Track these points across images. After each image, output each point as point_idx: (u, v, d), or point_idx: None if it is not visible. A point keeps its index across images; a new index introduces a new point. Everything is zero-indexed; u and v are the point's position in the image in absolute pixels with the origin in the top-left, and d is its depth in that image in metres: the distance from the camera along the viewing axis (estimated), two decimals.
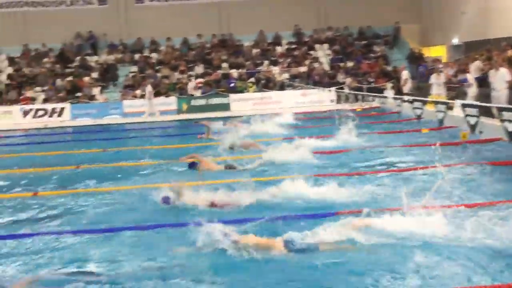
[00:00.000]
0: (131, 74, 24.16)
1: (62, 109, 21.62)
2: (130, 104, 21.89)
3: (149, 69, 24.36)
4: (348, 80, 22.87)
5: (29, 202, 7.72)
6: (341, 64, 24.49)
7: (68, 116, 21.54)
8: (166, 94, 22.53)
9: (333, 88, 22.26)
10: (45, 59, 25.15)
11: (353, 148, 10.19)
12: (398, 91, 19.98)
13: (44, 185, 8.68)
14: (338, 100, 22.02)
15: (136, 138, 15.34)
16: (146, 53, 25.96)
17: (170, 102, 22.09)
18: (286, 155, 9.08)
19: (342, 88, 22.50)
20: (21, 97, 22.59)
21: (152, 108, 20.89)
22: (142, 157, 10.20)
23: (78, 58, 25.16)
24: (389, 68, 23.84)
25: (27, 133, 18.28)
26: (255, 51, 25.93)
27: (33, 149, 13.79)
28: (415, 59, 23.95)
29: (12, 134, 17.94)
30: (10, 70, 24.66)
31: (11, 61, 25.19)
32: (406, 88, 19.28)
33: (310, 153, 9.20)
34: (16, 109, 21.63)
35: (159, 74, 24.04)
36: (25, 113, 21.54)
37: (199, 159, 8.41)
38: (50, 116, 21.46)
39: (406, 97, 16.38)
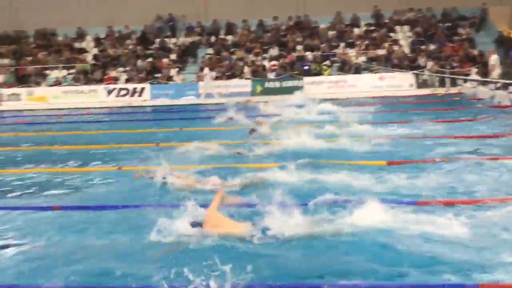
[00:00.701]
0: (207, 56, 24.60)
1: (143, 89, 22.52)
2: (204, 86, 22.32)
3: (224, 51, 24.66)
4: (430, 64, 21.79)
5: (114, 175, 8.04)
6: (423, 47, 23.33)
7: (148, 95, 22.41)
8: (241, 76, 22.74)
9: (413, 72, 21.34)
10: (128, 41, 26.24)
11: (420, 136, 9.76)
12: (484, 76, 18.75)
13: (127, 160, 9.11)
14: (419, 85, 21.10)
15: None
16: (222, 35, 26.28)
17: (245, 84, 22.28)
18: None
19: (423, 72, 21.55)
20: (105, 77, 23.76)
21: (209, 90, 21.30)
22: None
23: (158, 40, 26.00)
24: (475, 52, 22.38)
25: (111, 111, 19.27)
26: (331, 33, 25.37)
27: (117, 126, 14.49)
28: (504, 43, 22.27)
29: (97, 112, 19.01)
30: (95, 51, 26.00)
31: (97, 42, 26.54)
32: (495, 74, 18.04)
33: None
34: (101, 88, 22.82)
35: (234, 56, 24.27)
36: (109, 92, 22.68)
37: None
38: (132, 95, 22.43)
39: (494, 82, 15.34)
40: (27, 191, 7.24)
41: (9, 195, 7.13)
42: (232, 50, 24.88)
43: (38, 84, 23.71)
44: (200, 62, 24.36)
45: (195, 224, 4.59)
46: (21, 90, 23.09)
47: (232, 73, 22.74)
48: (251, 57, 24.07)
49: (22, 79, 24.14)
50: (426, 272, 3.75)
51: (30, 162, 9.33)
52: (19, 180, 7.98)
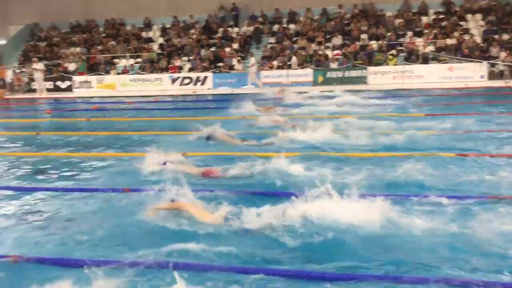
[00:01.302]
0: (269, 45, 24.59)
1: (205, 77, 22.91)
2: (266, 75, 22.37)
3: (286, 40, 24.53)
4: (503, 55, 20.57)
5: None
6: (496, 37, 22.04)
7: (210, 84, 22.78)
8: (302, 66, 22.55)
9: (485, 62, 20.24)
10: (192, 31, 26.74)
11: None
12: None
13: (189, 147, 9.29)
14: (490, 76, 20.00)
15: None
16: (284, 24, 26.14)
17: (306, 73, 22.09)
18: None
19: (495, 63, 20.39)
20: (170, 66, 24.39)
21: (253, 79, 21.54)
22: None
23: (221, 29, 26.30)
24: None
25: (175, 99, 19.72)
26: (398, 21, 24.54)
27: (181, 113, 14.81)
28: None
29: (162, 100, 19.54)
30: (161, 40, 26.72)
31: (163, 31, 27.26)
32: None
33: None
34: (166, 76, 23.46)
35: (295, 46, 24.09)
36: (173, 80, 23.27)
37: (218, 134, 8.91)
38: (195, 84, 22.88)
39: None
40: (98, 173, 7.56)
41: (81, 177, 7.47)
42: (294, 39, 24.72)
43: (107, 72, 24.73)
44: (262, 51, 24.42)
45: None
46: (92, 78, 24.19)
47: (294, 62, 22.60)
48: (313, 46, 23.80)
49: (92, 67, 25.28)
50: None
51: (101, 146, 9.76)
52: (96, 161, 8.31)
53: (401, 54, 22.60)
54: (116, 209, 5.61)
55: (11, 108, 19.57)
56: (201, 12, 26.92)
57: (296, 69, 22.32)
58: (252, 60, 21.93)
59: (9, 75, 25.27)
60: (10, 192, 6.74)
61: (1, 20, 30.44)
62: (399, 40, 23.25)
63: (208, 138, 8.87)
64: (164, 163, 6.82)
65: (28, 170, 7.98)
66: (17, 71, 25.41)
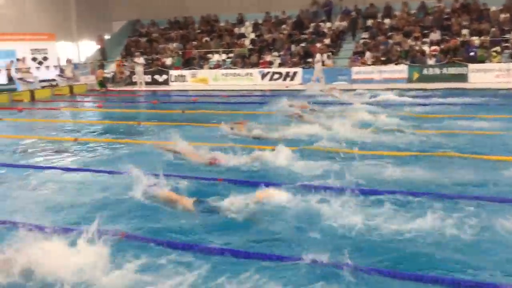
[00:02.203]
0: (362, 41, 24.01)
1: (295, 73, 22.91)
2: (358, 71, 21.88)
3: (380, 35, 23.79)
4: None
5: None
6: None
7: (299, 80, 22.74)
8: (397, 62, 21.74)
9: None
10: (283, 26, 26.85)
11: None
12: None
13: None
14: None
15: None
16: (379, 18, 25.36)
17: (401, 70, 21.27)
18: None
19: None
20: (260, 61, 24.70)
21: (318, 75, 21.38)
22: None
23: (313, 24, 26.12)
24: None
25: (264, 94, 19.94)
26: (503, 16, 22.77)
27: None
28: None
29: (252, 94, 19.85)
30: (253, 35, 27.14)
31: (255, 27, 27.66)
32: None
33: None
34: (256, 71, 23.79)
35: (390, 41, 23.27)
36: (263, 76, 23.55)
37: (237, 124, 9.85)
38: (284, 79, 22.98)
39: None
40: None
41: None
42: (389, 34, 23.89)
43: (200, 67, 25.61)
44: (353, 47, 23.91)
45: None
46: (186, 72, 25.19)
47: (388, 58, 21.87)
48: (409, 41, 22.85)
49: (188, 62, 26.30)
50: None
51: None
52: None
53: (506, 51, 20.98)
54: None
55: (114, 99, 20.88)
56: (293, 8, 26.94)
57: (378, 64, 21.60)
58: (318, 57, 21.85)
59: (112, 69, 27.09)
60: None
61: (106, 16, 32.68)
62: (504, 36, 21.59)
63: (232, 128, 9.80)
64: (175, 152, 7.81)
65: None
66: (125, 64, 27.12)
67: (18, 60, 22.83)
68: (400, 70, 21.26)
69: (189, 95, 20.49)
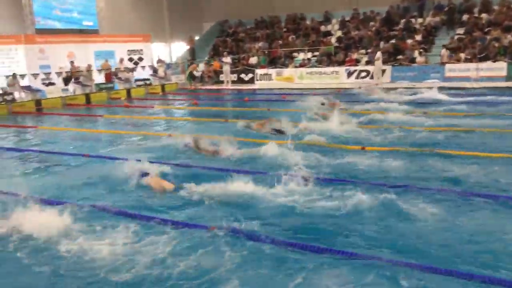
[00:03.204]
0: (456, 37, 22.73)
1: (383, 71, 22.23)
2: (452, 68, 20.75)
3: (477, 30, 22.36)
4: None
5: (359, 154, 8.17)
6: None
7: (388, 78, 22.04)
8: (494, 59, 20.31)
9: None
10: (372, 23, 26.17)
11: None
12: None
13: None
14: None
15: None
16: (476, 13, 23.85)
17: (500, 67, 19.84)
18: None
19: None
20: (346, 59, 24.27)
21: (377, 73, 21.07)
22: None
23: (403, 20, 25.19)
24: None
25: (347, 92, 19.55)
26: None
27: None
28: None
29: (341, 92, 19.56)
30: (339, 33, 26.75)
31: (342, 24, 27.24)
32: None
33: None
34: (342, 70, 23.42)
35: (488, 36, 21.80)
36: (349, 74, 23.12)
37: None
38: (371, 77, 22.39)
39: None
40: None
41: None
42: (486, 29, 22.40)
43: (286, 65, 25.72)
44: (447, 43, 22.69)
45: (143, 174, 6.91)
46: (272, 71, 25.41)
47: (485, 55, 20.51)
48: (509, 37, 21.25)
49: (273, 61, 26.53)
50: None
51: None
52: None
53: None
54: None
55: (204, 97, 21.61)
56: (382, 4, 26.17)
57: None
58: (378, 54, 21.37)
59: (201, 68, 28.06)
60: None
61: (197, 18, 33.97)
62: None
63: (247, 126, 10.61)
64: (186, 145, 8.91)
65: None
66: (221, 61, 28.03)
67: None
68: (499, 67, 19.84)
69: (279, 93, 20.61)
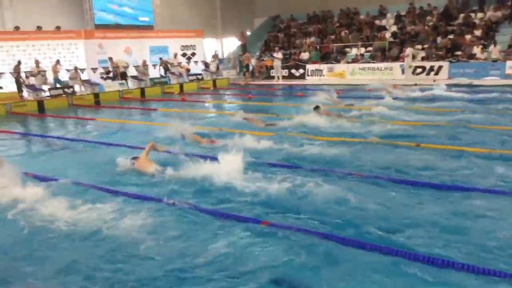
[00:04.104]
0: None
1: (440, 67, 21.49)
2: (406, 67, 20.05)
3: None
4: None
5: (411, 152, 8.01)
6: None
7: (445, 74, 21.29)
8: None
9: None
10: (428, 17, 25.33)
11: None
12: None
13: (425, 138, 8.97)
14: None
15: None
16: None
17: None
18: None
19: None
20: (401, 54, 23.62)
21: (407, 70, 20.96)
22: None
23: (462, 15, 24.22)
24: None
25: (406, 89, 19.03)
26: None
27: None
28: None
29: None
30: (394, 28, 26.07)
31: (397, 19, 26.54)
32: None
33: None
34: (396, 66, 22.82)
35: None
36: (403, 70, 22.50)
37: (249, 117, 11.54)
38: (427, 74, 21.70)
39: None
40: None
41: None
42: None
43: (338, 61, 25.37)
44: (509, 40, 21.61)
45: (133, 158, 7.69)
46: (323, 66, 25.15)
47: None
48: None
49: (325, 56, 26.24)
50: None
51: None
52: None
53: None
54: None
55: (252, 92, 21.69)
56: None
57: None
58: (408, 51, 21.28)
59: (252, 63, 28.18)
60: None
61: (248, 13, 34.11)
62: None
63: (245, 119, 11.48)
64: (182, 136, 9.71)
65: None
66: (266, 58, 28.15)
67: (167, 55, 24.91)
68: None
69: (335, 88, 20.39)
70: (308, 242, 4.72)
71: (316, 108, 11.77)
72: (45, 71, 19.83)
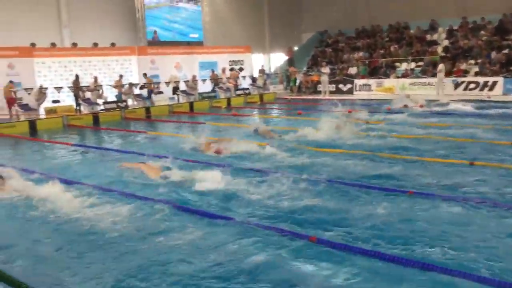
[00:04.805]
0: None
1: (495, 82, 20.77)
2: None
3: None
4: None
5: (464, 170, 7.86)
6: None
7: (499, 90, 20.54)
8: None
9: None
10: (482, 31, 24.58)
11: None
12: None
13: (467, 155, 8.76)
14: None
15: None
16: None
17: None
18: None
19: None
20: (453, 70, 23.00)
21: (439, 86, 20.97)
22: None
23: None
24: None
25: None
26: None
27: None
28: None
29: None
30: (446, 42, 25.45)
31: (449, 33, 25.91)
32: None
33: None
34: (448, 80, 22.22)
35: None
36: (457, 85, 21.88)
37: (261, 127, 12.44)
38: (481, 89, 21.01)
39: None
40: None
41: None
42: None
43: (387, 76, 25.00)
44: None
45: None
46: (372, 81, 24.86)
47: None
48: None
49: (373, 71, 25.94)
50: None
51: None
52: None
53: None
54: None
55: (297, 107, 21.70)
56: (494, 12, 24.48)
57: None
58: (441, 66, 21.12)
59: (299, 78, 28.24)
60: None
61: (296, 29, 34.33)
62: None
63: (255, 130, 12.24)
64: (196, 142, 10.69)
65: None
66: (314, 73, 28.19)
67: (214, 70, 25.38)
68: None
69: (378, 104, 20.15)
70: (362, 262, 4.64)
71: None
72: (101, 85, 20.70)
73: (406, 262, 4.52)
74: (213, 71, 25.11)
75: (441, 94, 20.88)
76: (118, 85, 21.03)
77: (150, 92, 22.01)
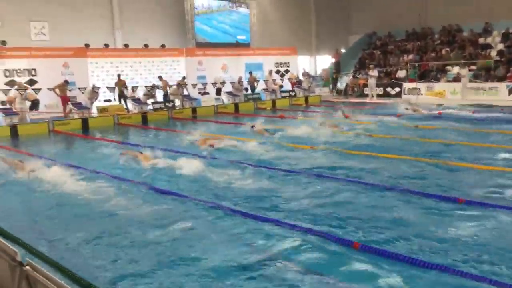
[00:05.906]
0: None
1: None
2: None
3: None
4: None
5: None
6: None
7: None
8: None
9: None
10: None
11: None
12: None
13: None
14: None
15: None
16: None
17: None
18: None
19: None
20: (508, 74, 22.07)
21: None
22: None
23: None
24: None
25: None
26: None
27: None
28: None
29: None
30: (501, 46, 24.45)
31: (505, 36, 24.87)
32: None
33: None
34: (502, 86, 21.35)
35: None
36: (510, 91, 20.98)
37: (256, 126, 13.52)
38: None
39: None
40: None
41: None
42: None
43: (437, 79, 24.30)
44: None
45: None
46: (421, 85, 24.22)
47: None
48: None
49: (423, 75, 25.27)
50: None
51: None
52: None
53: None
54: None
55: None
56: None
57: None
58: (464, 71, 21.42)
59: (345, 81, 27.92)
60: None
61: (344, 30, 33.95)
62: None
63: (252, 126, 13.56)
64: (197, 140, 11.98)
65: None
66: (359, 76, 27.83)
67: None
68: None
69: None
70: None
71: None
72: (152, 86, 21.24)
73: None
74: (251, 73, 25.19)
75: (466, 98, 20.26)
76: (165, 86, 21.47)
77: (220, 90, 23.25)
